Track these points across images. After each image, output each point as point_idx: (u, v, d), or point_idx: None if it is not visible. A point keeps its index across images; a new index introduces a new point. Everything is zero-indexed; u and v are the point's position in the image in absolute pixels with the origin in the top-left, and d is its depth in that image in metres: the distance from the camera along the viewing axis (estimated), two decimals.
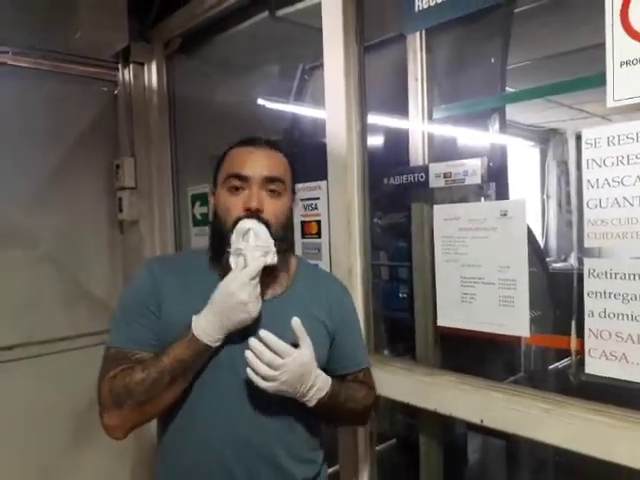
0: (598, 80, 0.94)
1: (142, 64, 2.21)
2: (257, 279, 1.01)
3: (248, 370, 0.98)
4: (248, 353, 0.97)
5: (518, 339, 1.13)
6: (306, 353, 1.00)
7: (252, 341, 0.97)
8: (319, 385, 1.04)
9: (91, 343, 2.13)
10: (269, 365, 0.96)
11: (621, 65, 0.89)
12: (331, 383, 1.07)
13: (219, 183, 1.12)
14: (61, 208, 2.15)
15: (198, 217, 2.08)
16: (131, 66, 2.19)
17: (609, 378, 0.97)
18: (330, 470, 1.26)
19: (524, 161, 4.40)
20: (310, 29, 1.55)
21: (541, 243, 3.59)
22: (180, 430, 1.07)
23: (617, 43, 0.90)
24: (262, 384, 0.97)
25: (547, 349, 1.36)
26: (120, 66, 2.22)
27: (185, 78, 2.23)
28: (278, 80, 2.25)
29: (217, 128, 2.10)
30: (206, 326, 0.99)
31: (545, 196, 4.05)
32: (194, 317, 1.01)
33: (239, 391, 1.04)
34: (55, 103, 2.12)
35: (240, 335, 1.02)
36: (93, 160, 2.25)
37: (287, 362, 0.97)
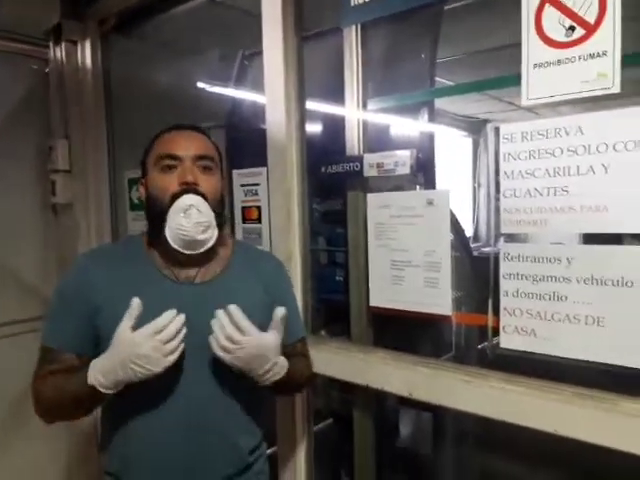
0: (515, 80, 1.02)
1: (75, 42, 2.12)
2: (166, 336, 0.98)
3: (210, 337, 1.01)
4: (214, 321, 1.01)
5: (447, 318, 1.22)
6: (269, 339, 1.04)
7: (219, 312, 1.01)
8: (276, 370, 1.07)
9: (21, 330, 2.07)
10: (229, 338, 1.00)
11: (534, 67, 0.98)
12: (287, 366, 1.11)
13: (149, 168, 1.13)
14: None
15: (135, 201, 2.05)
16: (63, 44, 2.09)
17: (522, 351, 1.08)
18: (268, 451, 1.31)
19: (458, 150, 4.59)
20: (250, 15, 1.56)
21: (471, 229, 3.78)
22: (129, 409, 1.08)
23: (531, 46, 0.98)
24: (218, 352, 1.01)
25: (479, 328, 1.45)
26: (52, 44, 2.12)
27: (122, 59, 2.17)
28: (219, 65, 2.23)
29: (156, 111, 2.07)
30: (101, 375, 0.98)
31: (476, 184, 4.25)
32: (92, 362, 1.00)
33: (193, 374, 1.07)
34: None
35: (197, 325, 1.04)
36: (23, 141, 2.14)
37: (245, 340, 1.01)
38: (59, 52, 2.12)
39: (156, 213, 1.09)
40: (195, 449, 1.08)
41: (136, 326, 0.98)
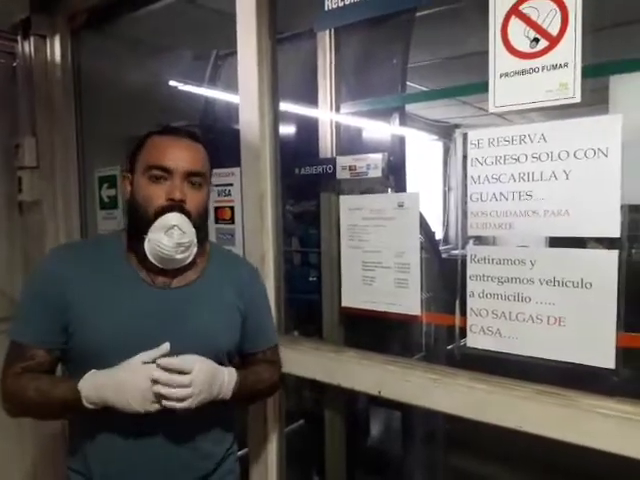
0: (483, 87, 1.05)
1: (44, 37, 2.08)
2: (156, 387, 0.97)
3: (164, 402, 0.97)
4: (156, 387, 0.96)
5: (416, 318, 1.25)
6: (202, 362, 1.02)
7: (157, 374, 0.96)
8: (227, 377, 1.08)
9: None
10: (181, 386, 0.97)
11: (500, 76, 1.02)
12: (237, 372, 1.11)
13: (138, 171, 1.11)
14: None
15: (105, 200, 2.02)
16: (32, 39, 2.05)
17: (488, 350, 1.11)
18: (240, 453, 1.31)
19: (428, 154, 4.67)
20: (224, 15, 1.56)
21: (441, 232, 3.86)
22: (94, 423, 1.07)
23: (498, 56, 1.02)
24: (181, 406, 0.98)
25: (448, 329, 1.48)
26: (20, 38, 2.07)
27: (93, 55, 2.13)
28: (192, 64, 2.22)
29: (128, 109, 2.05)
30: (93, 386, 0.98)
31: (447, 188, 4.33)
32: (92, 371, 0.99)
33: None
34: None
35: (172, 330, 1.04)
36: None
37: (194, 375, 0.98)
38: (27, 47, 2.08)
39: (138, 223, 1.08)
40: (164, 459, 1.08)
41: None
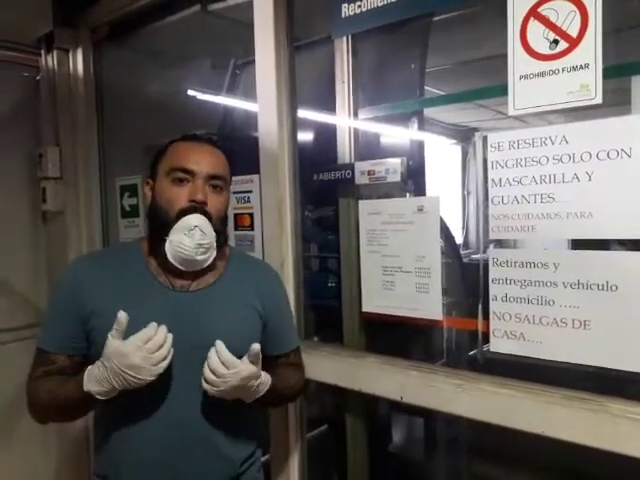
0: (502, 90, 1.05)
1: (67, 50, 2.13)
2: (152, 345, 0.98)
3: (204, 368, 1.02)
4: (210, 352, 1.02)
5: (437, 323, 1.24)
6: (252, 369, 1.03)
7: (211, 350, 1.02)
8: (259, 390, 1.09)
9: (10, 339, 2.06)
10: (213, 372, 1.00)
11: (520, 78, 1.01)
12: (270, 381, 1.11)
13: (160, 175, 1.13)
14: None
15: (127, 208, 2.06)
16: (55, 52, 2.10)
17: (511, 355, 1.09)
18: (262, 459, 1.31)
19: (447, 158, 4.63)
20: (242, 25, 1.58)
21: (461, 236, 3.82)
22: (123, 418, 1.09)
23: (517, 58, 1.01)
24: (204, 386, 1.02)
25: (470, 334, 1.46)
26: (43, 52, 2.12)
27: (114, 67, 2.18)
28: (211, 73, 2.25)
29: (148, 119, 2.09)
30: (96, 382, 0.98)
31: (465, 192, 4.29)
32: (88, 370, 1.00)
33: (185, 382, 1.07)
34: None
35: (190, 333, 1.06)
36: (12, 148, 2.14)
37: (229, 374, 1.00)
38: (51, 60, 2.13)
39: (160, 224, 1.10)
40: (185, 460, 1.09)
41: (126, 335, 0.99)
